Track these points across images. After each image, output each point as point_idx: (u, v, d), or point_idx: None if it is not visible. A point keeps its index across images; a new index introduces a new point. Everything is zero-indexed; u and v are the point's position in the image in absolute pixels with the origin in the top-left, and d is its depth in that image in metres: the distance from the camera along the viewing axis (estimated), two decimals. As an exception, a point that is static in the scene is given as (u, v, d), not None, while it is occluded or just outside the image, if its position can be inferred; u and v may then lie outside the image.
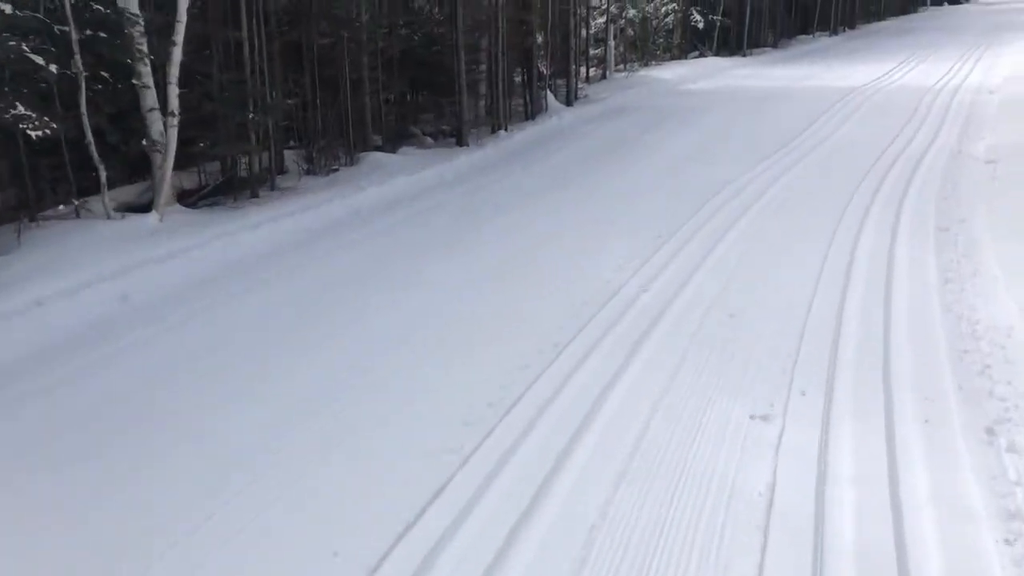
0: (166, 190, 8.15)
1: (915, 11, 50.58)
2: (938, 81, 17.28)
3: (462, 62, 12.76)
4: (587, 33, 20.81)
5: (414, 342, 5.37)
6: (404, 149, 12.26)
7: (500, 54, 13.85)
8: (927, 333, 5.13)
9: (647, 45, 24.81)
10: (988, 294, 5.55)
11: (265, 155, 9.91)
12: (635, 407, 4.34)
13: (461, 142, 12.95)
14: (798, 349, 4.98)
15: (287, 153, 10.89)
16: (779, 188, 9.16)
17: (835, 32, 35.05)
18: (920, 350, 4.88)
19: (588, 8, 20.62)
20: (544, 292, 6.19)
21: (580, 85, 18.95)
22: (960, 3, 58.96)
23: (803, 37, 32.95)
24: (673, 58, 25.77)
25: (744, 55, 26.68)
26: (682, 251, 7.05)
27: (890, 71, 20.12)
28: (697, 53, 26.44)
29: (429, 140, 13.56)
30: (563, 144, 12.94)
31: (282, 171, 10.44)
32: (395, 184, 10.01)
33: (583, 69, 20.72)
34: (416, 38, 13.47)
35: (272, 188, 9.73)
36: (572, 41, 16.70)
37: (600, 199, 9.17)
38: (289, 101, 10.52)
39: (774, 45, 29.79)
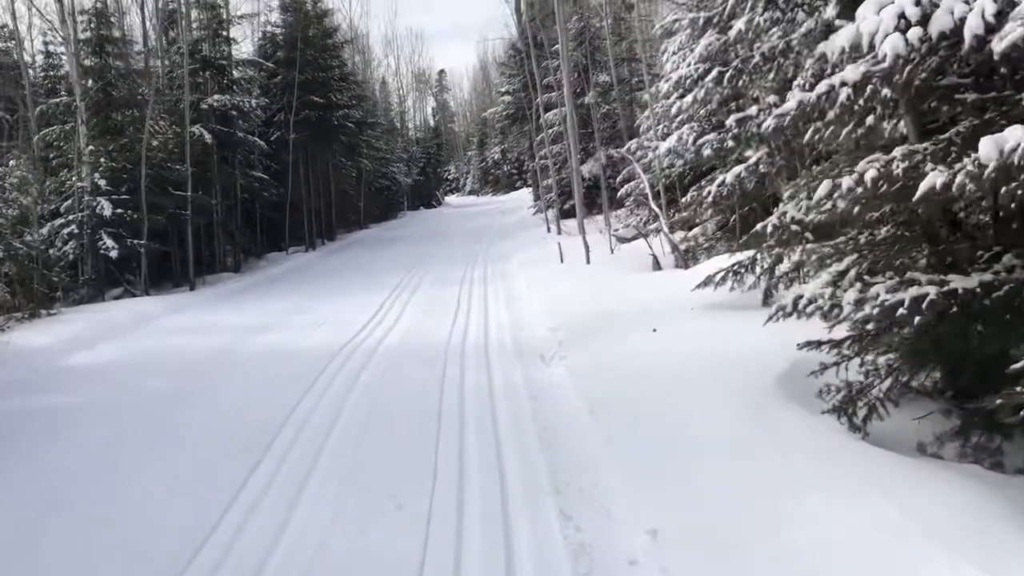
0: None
1: (395, 216, 49.90)
2: (451, 332, 11.78)
3: None
4: None
5: None
6: None
7: None
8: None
9: (32, 286, 16.45)
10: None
11: None
12: None
13: None
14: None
15: None
16: None
17: (312, 246, 30.20)
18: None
19: None
20: None
21: None
22: (433, 207, 61.43)
23: (275, 254, 27.37)
24: (89, 300, 17.94)
25: (192, 287, 19.71)
26: None
27: (379, 311, 14.56)
28: (121, 290, 18.78)
29: None
30: None
31: None
32: None
33: None
34: None
35: None
36: None
37: None
38: None
39: (236, 269, 23.44)
